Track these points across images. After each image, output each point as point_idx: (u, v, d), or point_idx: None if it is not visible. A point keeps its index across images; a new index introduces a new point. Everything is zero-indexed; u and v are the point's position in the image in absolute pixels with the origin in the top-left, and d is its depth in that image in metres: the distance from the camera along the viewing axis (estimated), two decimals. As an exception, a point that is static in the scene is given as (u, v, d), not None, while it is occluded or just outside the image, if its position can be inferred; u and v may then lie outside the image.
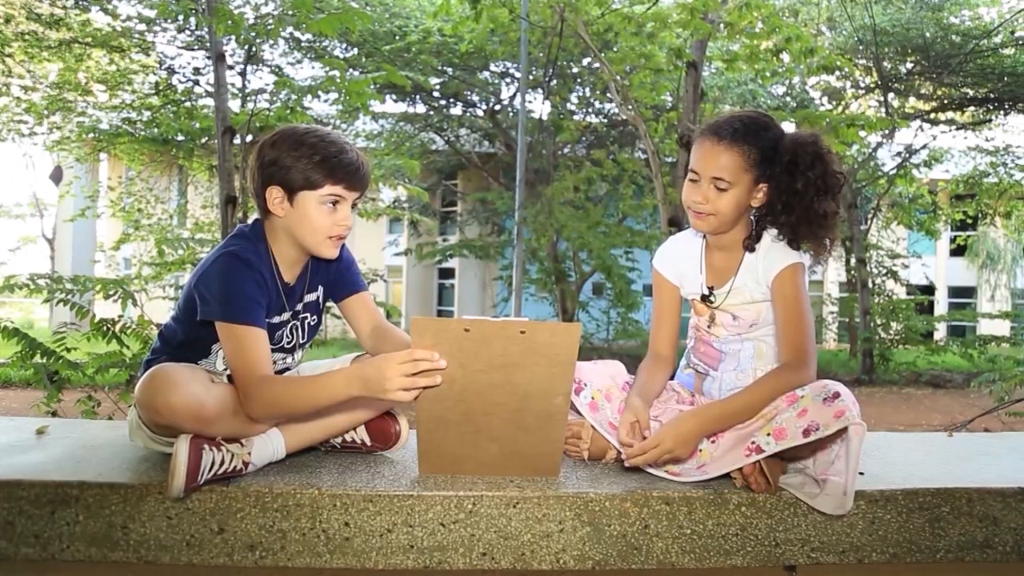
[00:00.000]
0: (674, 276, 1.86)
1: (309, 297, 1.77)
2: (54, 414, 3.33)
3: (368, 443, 1.80)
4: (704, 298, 1.80)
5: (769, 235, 1.72)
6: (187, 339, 1.67)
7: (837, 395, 1.48)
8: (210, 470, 1.47)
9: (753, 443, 1.53)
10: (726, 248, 1.78)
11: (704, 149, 1.66)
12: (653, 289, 1.91)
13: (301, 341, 1.79)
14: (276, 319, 1.68)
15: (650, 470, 1.65)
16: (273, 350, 1.69)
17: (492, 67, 13.91)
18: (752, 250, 1.73)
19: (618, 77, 8.25)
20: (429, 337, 1.44)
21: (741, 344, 1.78)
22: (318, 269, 1.77)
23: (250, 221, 1.71)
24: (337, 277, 1.80)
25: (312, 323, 1.81)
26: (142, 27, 10.72)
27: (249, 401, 1.51)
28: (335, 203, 1.61)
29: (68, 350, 3.45)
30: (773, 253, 1.70)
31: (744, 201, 1.68)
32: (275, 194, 1.59)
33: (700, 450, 1.63)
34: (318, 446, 1.82)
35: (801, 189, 1.63)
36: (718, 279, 1.79)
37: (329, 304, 1.87)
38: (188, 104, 10.87)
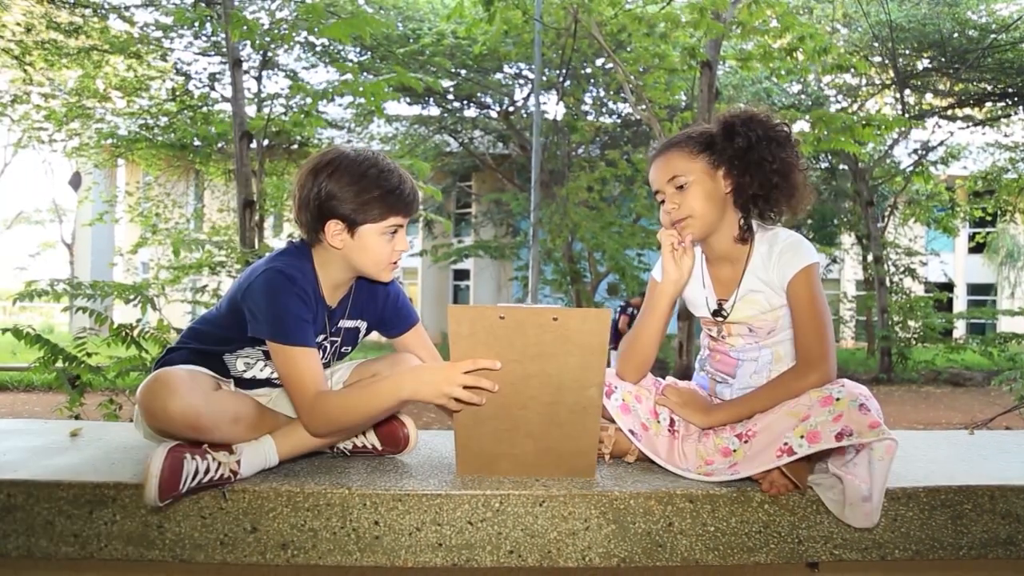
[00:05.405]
0: None
1: (347, 324, 1.75)
2: (77, 417, 3.38)
3: (379, 447, 1.81)
4: (715, 313, 1.76)
5: (771, 239, 1.69)
6: (222, 337, 1.66)
7: (866, 407, 1.46)
8: (194, 478, 1.46)
9: (785, 444, 1.51)
10: (725, 257, 1.75)
11: (651, 172, 1.75)
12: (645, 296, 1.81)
13: (325, 362, 1.76)
14: (318, 338, 1.67)
15: (681, 472, 1.65)
16: None
17: (506, 69, 13.93)
18: (744, 241, 1.70)
19: (632, 77, 8.25)
20: (466, 324, 1.46)
21: (759, 352, 1.74)
22: (361, 299, 1.75)
23: (296, 239, 1.69)
24: (388, 314, 1.79)
25: (344, 351, 1.79)
26: (159, 34, 10.85)
27: (309, 419, 1.53)
28: (394, 232, 1.62)
29: (88, 355, 3.50)
30: (785, 257, 1.65)
31: (712, 191, 1.67)
32: (335, 228, 1.58)
33: (734, 450, 1.62)
34: (326, 451, 1.80)
35: (744, 146, 1.64)
36: (726, 291, 1.75)
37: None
38: (205, 109, 10.98)
